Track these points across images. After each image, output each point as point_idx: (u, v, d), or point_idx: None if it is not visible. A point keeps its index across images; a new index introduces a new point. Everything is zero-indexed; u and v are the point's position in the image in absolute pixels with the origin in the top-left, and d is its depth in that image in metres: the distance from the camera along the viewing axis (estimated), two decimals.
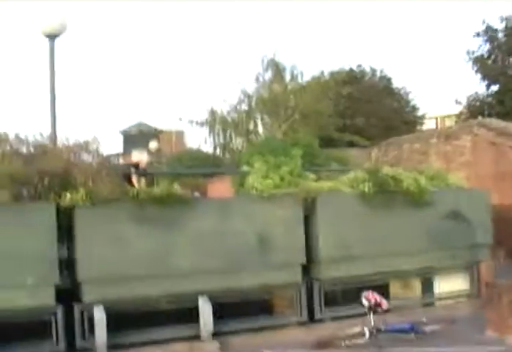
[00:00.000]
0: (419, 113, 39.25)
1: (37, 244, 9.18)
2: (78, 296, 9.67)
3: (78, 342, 9.53)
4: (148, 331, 9.95)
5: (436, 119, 51.25)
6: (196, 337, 10.06)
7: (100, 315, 9.40)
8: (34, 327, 9.25)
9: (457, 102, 32.98)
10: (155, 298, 9.98)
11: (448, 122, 44.28)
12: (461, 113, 33.59)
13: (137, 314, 9.88)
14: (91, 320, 9.49)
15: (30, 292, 9.16)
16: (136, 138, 44.84)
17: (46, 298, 9.29)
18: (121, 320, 9.59)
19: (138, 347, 9.74)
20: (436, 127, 47.83)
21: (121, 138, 47.45)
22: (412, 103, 38.56)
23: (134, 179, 13.16)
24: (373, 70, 37.62)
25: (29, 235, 9.16)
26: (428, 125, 43.88)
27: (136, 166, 14.52)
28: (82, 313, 9.57)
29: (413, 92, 38.36)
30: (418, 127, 37.54)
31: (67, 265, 9.80)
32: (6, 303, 9.01)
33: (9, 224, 9.09)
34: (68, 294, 9.66)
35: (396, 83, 38.02)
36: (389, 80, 37.76)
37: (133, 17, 78.89)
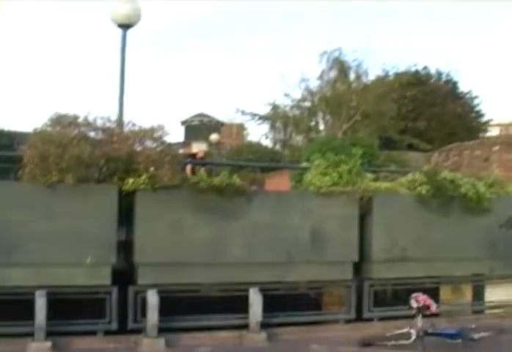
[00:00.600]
0: (484, 119, 38.58)
1: (97, 225, 9.52)
2: (133, 278, 9.95)
3: (131, 323, 9.81)
4: (198, 317, 10.18)
5: (501, 126, 50.40)
6: (245, 327, 10.22)
7: (153, 298, 9.62)
8: (90, 305, 9.59)
9: None
10: (208, 285, 10.20)
11: None
12: None
13: (190, 300, 10.13)
14: (144, 302, 9.73)
15: (88, 272, 9.50)
16: (197, 129, 45.41)
17: (103, 278, 9.61)
18: (173, 304, 9.81)
19: (187, 332, 9.98)
20: (500, 134, 47.06)
21: (182, 128, 48.10)
22: (477, 109, 37.93)
23: (189, 169, 13.39)
24: (439, 73, 37.13)
25: (91, 216, 9.50)
26: (492, 132, 43.16)
27: (194, 156, 14.81)
28: (136, 295, 9.83)
29: (479, 98, 37.75)
30: (481, 134, 36.91)
31: (125, 248, 10.11)
32: (66, 280, 9.40)
33: (73, 205, 9.44)
34: (124, 276, 9.97)
35: (462, 88, 37.45)
36: (454, 84, 37.21)
37: (196, 9, 79.52)
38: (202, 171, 11.20)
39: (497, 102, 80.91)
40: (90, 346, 9.37)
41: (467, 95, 37.70)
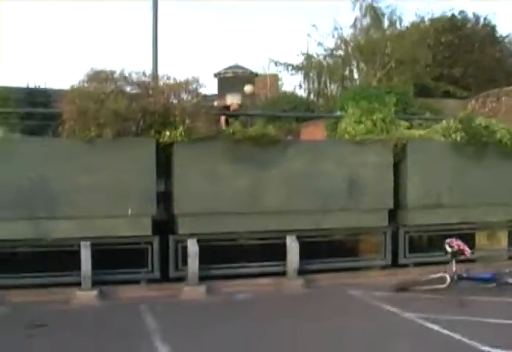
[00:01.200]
0: None
1: (137, 178, 9.78)
2: (173, 229, 10.24)
3: (172, 272, 10.14)
4: (237, 265, 10.47)
5: None
6: (283, 274, 10.50)
7: (193, 247, 9.92)
8: (133, 255, 9.92)
9: None
10: (246, 234, 10.46)
11: None
12: None
13: (228, 248, 10.41)
14: (184, 251, 10.04)
15: (130, 223, 9.81)
16: (231, 81, 45.27)
17: (144, 228, 9.92)
18: (213, 253, 10.10)
19: (227, 279, 10.28)
20: None
21: (215, 80, 48.02)
22: None
23: (223, 120, 13.51)
24: (477, 17, 36.21)
25: (131, 168, 9.75)
26: None
27: (227, 108, 14.92)
28: (176, 244, 10.13)
29: None
30: None
31: (165, 199, 10.37)
32: (108, 231, 9.74)
33: (113, 158, 9.70)
34: (164, 226, 10.26)
35: (501, 31, 36.59)
36: (493, 27, 36.26)
37: None
38: (236, 123, 11.35)
39: None
40: (134, 294, 9.71)
41: (506, 39, 36.86)
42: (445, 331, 7.66)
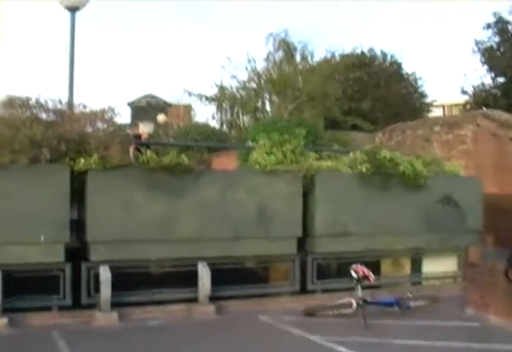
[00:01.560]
0: (428, 100, 39.36)
1: (51, 205, 9.78)
2: (86, 256, 10.27)
3: (84, 299, 10.14)
4: (149, 291, 10.58)
5: (444, 107, 51.51)
6: (194, 300, 10.67)
7: (105, 274, 9.98)
8: (44, 282, 9.89)
9: (463, 91, 33.17)
10: (158, 261, 10.62)
11: (455, 111, 44.53)
12: (466, 102, 33.82)
13: (141, 275, 10.53)
14: (97, 278, 10.07)
15: (42, 249, 9.79)
16: (144, 110, 45.34)
17: (56, 255, 9.91)
18: (125, 280, 10.18)
19: (139, 306, 10.39)
20: (444, 115, 48.16)
21: (129, 109, 47.94)
22: (421, 90, 38.65)
23: (131, 149, 13.61)
24: (384, 55, 37.65)
25: (44, 195, 9.75)
26: (436, 112, 44.10)
27: (139, 137, 15.03)
28: (89, 271, 10.16)
29: (422, 79, 38.46)
30: (425, 115, 37.71)
31: (78, 226, 10.42)
32: (20, 258, 9.66)
33: (27, 185, 9.68)
34: (77, 253, 10.29)
35: (406, 69, 38.10)
36: (399, 65, 37.77)
37: None
38: (148, 152, 11.51)
39: (440, 83, 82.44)
40: (45, 322, 9.66)
41: (411, 77, 38.34)
42: None
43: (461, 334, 9.22)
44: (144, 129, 14.76)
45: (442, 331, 9.35)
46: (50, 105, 10.24)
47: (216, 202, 10.85)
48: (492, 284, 10.00)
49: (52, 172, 9.89)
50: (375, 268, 11.98)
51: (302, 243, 11.68)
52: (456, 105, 43.41)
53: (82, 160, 9.90)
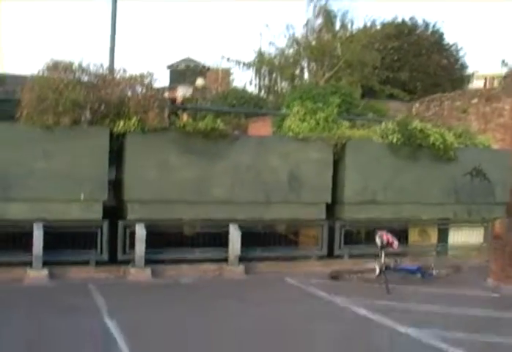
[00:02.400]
0: (469, 71, 38.91)
1: (90, 165, 10.28)
2: (122, 214, 10.76)
3: (120, 255, 10.65)
4: (182, 250, 11.07)
5: (486, 78, 50.86)
6: (225, 260, 11.12)
7: (141, 232, 10.46)
8: (83, 238, 10.41)
9: (503, 63, 32.76)
10: (192, 221, 11.05)
11: (497, 83, 43.97)
12: (506, 75, 33.43)
13: (174, 234, 11.00)
14: (132, 236, 10.57)
15: (82, 207, 10.31)
16: (182, 73, 45.49)
17: (95, 212, 10.43)
18: (160, 238, 10.69)
19: (172, 264, 10.87)
20: (485, 86, 47.59)
21: (168, 72, 48.14)
22: (462, 61, 38.21)
23: (166, 113, 13.87)
24: (426, 24, 37.18)
25: (85, 156, 10.24)
26: (477, 84, 43.61)
27: (174, 101, 15.25)
28: (125, 229, 10.65)
29: (464, 49, 37.99)
30: (465, 86, 37.32)
31: (116, 186, 10.89)
32: (62, 215, 10.23)
33: (68, 145, 10.18)
34: (114, 211, 10.78)
35: (448, 39, 37.63)
36: (441, 35, 37.25)
37: None
38: (184, 116, 11.82)
39: (482, 54, 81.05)
40: (83, 275, 10.22)
41: (453, 47, 37.87)
42: (371, 314, 8.39)
43: (480, 302, 9.50)
44: (180, 93, 14.90)
45: (462, 299, 9.64)
46: (92, 69, 10.63)
47: (250, 167, 11.22)
48: None
49: (93, 134, 10.34)
50: (402, 236, 12.30)
51: (331, 209, 12.02)
52: (498, 77, 42.81)
53: (121, 123, 10.31)
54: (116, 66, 11.61)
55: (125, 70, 10.86)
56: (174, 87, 39.07)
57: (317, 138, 11.62)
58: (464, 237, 13.51)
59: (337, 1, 30.58)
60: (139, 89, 10.85)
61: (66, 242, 10.30)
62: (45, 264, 10.04)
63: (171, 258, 10.92)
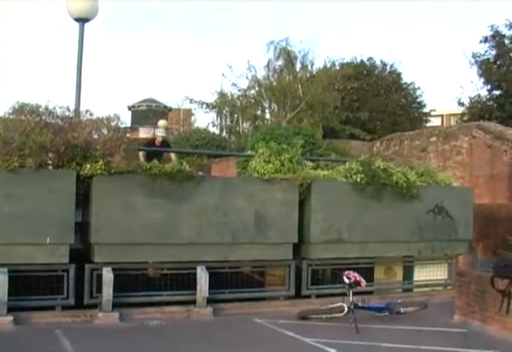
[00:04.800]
0: (426, 109, 39.69)
1: (57, 208, 10.20)
2: (89, 257, 10.68)
3: (87, 299, 10.53)
4: (149, 293, 10.96)
5: (442, 116, 51.96)
6: (193, 302, 11.05)
7: (108, 275, 10.37)
8: (49, 282, 10.28)
9: (459, 103, 33.54)
10: (159, 263, 11.01)
11: (454, 120, 44.93)
12: (463, 113, 34.23)
13: (142, 276, 10.96)
14: (99, 279, 10.46)
15: (48, 251, 10.19)
16: (144, 114, 45.60)
17: (61, 256, 10.30)
18: (127, 281, 10.63)
19: (139, 307, 10.77)
20: (442, 124, 48.58)
21: (129, 113, 48.17)
22: (419, 100, 39.01)
23: (142, 155, 13.91)
24: (384, 64, 38.03)
25: (50, 198, 10.17)
26: (434, 122, 44.48)
27: (151, 141, 15.42)
28: (92, 272, 10.55)
29: (421, 89, 38.79)
30: (423, 124, 38.07)
31: (82, 229, 10.84)
32: (27, 259, 10.07)
33: (34, 188, 10.09)
34: (81, 254, 10.70)
35: (405, 79, 38.44)
36: (398, 75, 38.13)
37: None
38: (172, 156, 11.93)
39: (438, 93, 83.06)
40: (50, 320, 10.06)
41: (410, 86, 38.68)
42: None
43: (447, 339, 9.61)
44: (159, 133, 15.05)
45: (429, 336, 9.72)
46: (59, 112, 10.66)
47: (216, 208, 11.25)
48: (479, 292, 10.37)
49: (59, 176, 10.30)
50: (368, 274, 12.41)
51: (298, 249, 12.07)
52: (454, 114, 43.77)
53: (88, 166, 10.31)
54: (82, 108, 11.66)
55: (91, 113, 10.93)
56: (136, 128, 39.16)
57: (282, 179, 11.73)
58: (429, 273, 13.70)
59: (297, 43, 30.89)
60: (105, 131, 10.90)
61: (31, 286, 10.16)
62: (9, 310, 9.85)
63: (139, 301, 10.83)
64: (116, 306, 10.51)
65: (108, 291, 10.36)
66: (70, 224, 10.37)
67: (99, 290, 10.46)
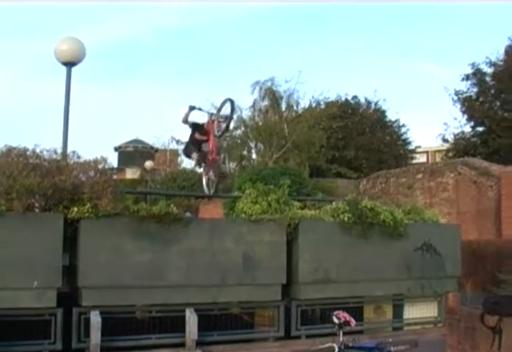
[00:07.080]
0: (411, 146, 40.01)
1: (44, 251, 10.11)
2: (77, 301, 10.59)
3: (74, 343, 10.40)
4: (138, 336, 10.86)
5: (428, 153, 52.38)
6: (182, 345, 10.94)
7: (96, 319, 10.27)
8: (36, 327, 10.14)
9: (444, 139, 33.89)
10: (147, 306, 10.92)
11: (439, 157, 45.31)
12: (448, 150, 34.56)
13: (130, 320, 10.82)
14: (87, 323, 10.35)
15: (34, 295, 10.08)
16: (131, 155, 45.76)
17: (48, 300, 10.18)
18: (115, 324, 10.50)
19: (129, 350, 10.63)
20: (428, 160, 48.95)
21: (115, 154, 48.30)
22: (404, 137, 39.34)
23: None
24: (368, 102, 38.44)
25: (37, 242, 10.08)
26: (419, 159, 44.82)
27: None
28: (80, 316, 10.44)
29: (406, 126, 39.15)
30: (408, 161, 38.35)
31: (70, 272, 10.76)
32: (13, 303, 9.94)
33: (20, 231, 10.04)
34: (68, 298, 10.60)
35: (390, 116, 38.80)
36: (383, 113, 38.52)
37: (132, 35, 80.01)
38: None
39: (423, 130, 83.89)
40: None
41: (395, 124, 39.03)
42: None
43: None
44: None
45: None
46: (46, 155, 10.68)
47: (204, 250, 11.23)
48: (469, 329, 10.31)
49: (46, 220, 10.26)
50: (357, 313, 12.33)
51: (286, 289, 12.03)
52: (439, 151, 44.14)
53: (75, 209, 10.28)
54: (69, 150, 11.70)
55: (78, 156, 10.97)
56: (123, 169, 39.19)
57: (269, 220, 11.75)
58: (419, 311, 13.66)
59: (282, 83, 31.21)
60: (92, 174, 10.92)
61: (17, 331, 10.03)
62: None
63: (127, 345, 10.71)
64: (104, 350, 10.35)
65: (96, 335, 10.24)
66: (58, 267, 10.28)
67: (87, 334, 10.35)
